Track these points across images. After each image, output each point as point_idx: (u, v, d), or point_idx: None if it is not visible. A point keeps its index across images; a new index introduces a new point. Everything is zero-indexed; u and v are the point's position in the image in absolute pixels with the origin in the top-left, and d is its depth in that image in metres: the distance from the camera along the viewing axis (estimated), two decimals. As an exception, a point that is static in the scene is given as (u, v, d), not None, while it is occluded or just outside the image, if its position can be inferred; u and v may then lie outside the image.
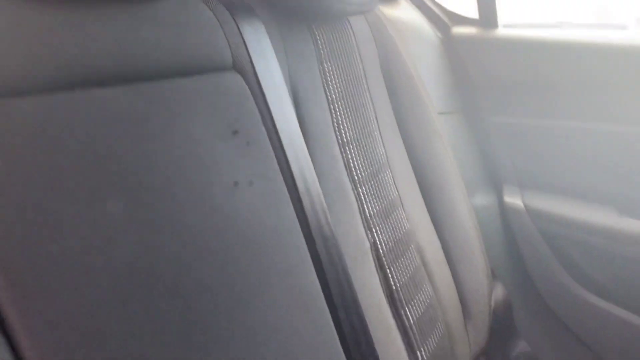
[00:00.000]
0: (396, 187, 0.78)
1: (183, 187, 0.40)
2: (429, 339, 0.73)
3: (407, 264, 0.74)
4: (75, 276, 0.31)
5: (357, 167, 0.71)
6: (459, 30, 1.11)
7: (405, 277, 0.72)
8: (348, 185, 0.69)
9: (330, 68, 0.71)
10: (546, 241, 1.06)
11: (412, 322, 0.70)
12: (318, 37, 0.71)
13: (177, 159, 0.40)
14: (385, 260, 0.70)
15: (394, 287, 0.69)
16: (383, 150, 0.78)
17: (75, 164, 0.33)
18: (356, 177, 0.70)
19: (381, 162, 0.76)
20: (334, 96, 0.70)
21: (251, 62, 0.53)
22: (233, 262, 0.42)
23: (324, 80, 0.70)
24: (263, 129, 0.50)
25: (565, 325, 1.11)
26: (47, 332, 0.29)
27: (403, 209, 0.79)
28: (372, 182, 0.73)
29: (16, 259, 0.30)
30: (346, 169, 0.70)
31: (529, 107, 1.03)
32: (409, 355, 0.68)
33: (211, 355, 0.37)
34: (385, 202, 0.74)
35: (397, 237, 0.74)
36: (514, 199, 1.09)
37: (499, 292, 1.00)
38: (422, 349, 0.71)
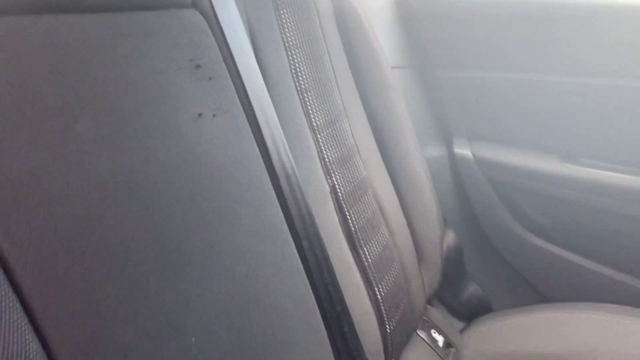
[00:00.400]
0: (353, 136, 0.81)
1: (150, 115, 0.40)
2: (386, 278, 0.77)
3: (364, 208, 0.78)
4: (49, 192, 0.32)
5: (315, 114, 0.73)
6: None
7: (363, 220, 0.75)
8: (307, 131, 0.71)
9: (286, 16, 0.72)
10: (493, 188, 1.12)
11: (370, 261, 0.74)
12: None
13: (143, 89, 0.41)
14: (344, 204, 0.73)
15: (352, 229, 0.72)
16: (340, 100, 0.80)
17: (45, 84, 0.34)
18: (315, 124, 0.73)
19: (338, 110, 0.78)
20: (291, 43, 0.72)
21: (210, 3, 0.54)
22: (201, 189, 0.43)
23: (281, 28, 0.71)
24: (224, 65, 0.51)
25: (512, 266, 1.19)
26: (26, 239, 0.30)
27: (360, 157, 0.82)
28: (330, 129, 0.76)
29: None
30: (305, 116, 0.72)
31: (476, 62, 1.07)
32: (367, 291, 0.72)
33: (178, 272, 0.39)
34: (343, 149, 0.77)
35: (355, 183, 0.77)
36: (463, 150, 1.14)
37: (450, 238, 1.05)
38: (379, 286, 0.75)
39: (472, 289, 1.09)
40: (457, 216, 1.17)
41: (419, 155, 0.95)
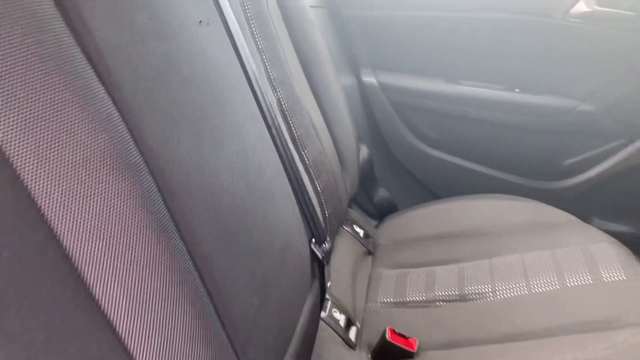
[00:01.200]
0: (287, 61, 0.96)
1: (163, 21, 0.52)
2: (322, 176, 0.95)
3: (302, 120, 0.94)
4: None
5: (259, 38, 0.86)
6: None
7: (302, 129, 0.92)
8: (255, 51, 0.85)
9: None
10: (395, 109, 1.34)
11: (310, 161, 0.91)
12: None
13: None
14: (288, 114, 0.89)
15: (295, 134, 0.88)
16: (274, 28, 0.94)
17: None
18: (260, 46, 0.86)
19: (275, 37, 0.92)
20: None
21: None
22: (210, 78, 0.57)
23: None
24: None
25: (412, 173, 1.43)
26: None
27: (293, 79, 0.97)
28: (271, 53, 0.89)
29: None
30: (252, 37, 0.85)
31: (376, 2, 1.26)
32: (311, 184, 0.90)
33: (210, 127, 0.53)
34: (281, 71, 0.91)
35: (293, 100, 0.93)
36: (369, 78, 1.34)
37: (363, 152, 1.26)
38: (318, 180, 0.92)
39: (381, 193, 1.32)
40: (367, 134, 1.38)
41: (337, 81, 1.12)
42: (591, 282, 0.85)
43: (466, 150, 1.34)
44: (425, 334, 0.84)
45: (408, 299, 0.94)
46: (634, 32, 1.07)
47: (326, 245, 0.89)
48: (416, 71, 1.30)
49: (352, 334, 0.86)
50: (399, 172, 1.43)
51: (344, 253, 1.03)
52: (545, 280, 0.88)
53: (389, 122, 1.37)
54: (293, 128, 0.88)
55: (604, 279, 0.85)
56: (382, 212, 1.32)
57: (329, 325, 0.84)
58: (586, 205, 1.26)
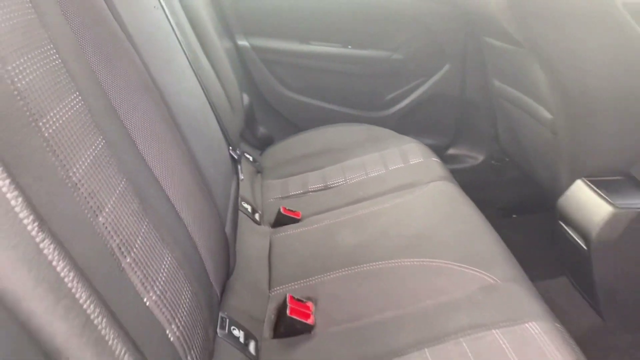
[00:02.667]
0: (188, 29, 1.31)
1: (125, 8, 0.85)
2: (221, 107, 1.33)
3: (208, 73, 1.30)
4: None
5: (175, 17, 1.21)
6: None
7: (209, 78, 1.29)
8: (176, 27, 1.19)
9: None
10: (265, 65, 1.75)
11: (213, 99, 1.28)
12: None
13: None
14: (195, 70, 1.25)
15: (204, 84, 1.25)
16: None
17: None
18: (178, 22, 1.21)
19: (182, 15, 1.27)
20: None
21: None
22: (162, 42, 0.93)
23: None
24: None
25: (281, 114, 1.86)
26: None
27: (197, 46, 1.32)
28: (181, 26, 1.24)
29: None
30: (174, 17, 1.18)
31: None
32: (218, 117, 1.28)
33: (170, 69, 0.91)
34: (186, 37, 1.26)
35: (199, 58, 1.29)
36: (243, 42, 1.73)
37: (245, 100, 1.65)
38: (219, 111, 1.30)
39: (261, 130, 1.74)
40: (248, 87, 1.77)
41: (221, 46, 1.49)
42: (403, 165, 1.36)
43: (318, 93, 1.81)
44: (305, 210, 1.28)
45: (290, 194, 1.38)
46: (429, 1, 1.60)
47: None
48: (278, 35, 1.72)
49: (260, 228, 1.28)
50: (273, 113, 1.86)
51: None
52: (376, 168, 1.37)
53: (262, 75, 1.78)
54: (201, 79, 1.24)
55: (410, 162, 1.37)
56: (263, 144, 1.74)
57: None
58: (402, 126, 1.80)
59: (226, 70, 1.48)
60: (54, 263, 0.41)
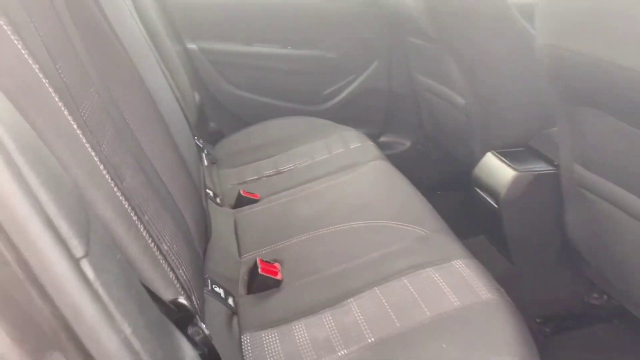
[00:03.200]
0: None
1: (115, 19, 0.99)
2: (188, 100, 1.47)
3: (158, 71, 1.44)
4: None
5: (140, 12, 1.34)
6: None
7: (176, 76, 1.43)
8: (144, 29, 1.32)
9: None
10: (213, 66, 1.90)
11: (176, 83, 1.43)
12: None
13: None
14: (165, 67, 1.38)
15: (170, 77, 1.39)
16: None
17: None
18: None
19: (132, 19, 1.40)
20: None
21: None
22: (127, 32, 1.07)
23: None
24: None
25: (229, 109, 2.02)
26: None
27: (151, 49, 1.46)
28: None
29: None
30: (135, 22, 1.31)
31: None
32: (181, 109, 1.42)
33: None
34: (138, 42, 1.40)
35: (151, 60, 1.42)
36: (191, 45, 1.87)
37: (197, 98, 1.80)
38: (184, 97, 1.44)
39: (212, 125, 1.89)
40: (197, 84, 1.90)
41: (172, 49, 1.63)
42: (344, 149, 1.56)
43: (263, 89, 1.99)
44: (263, 192, 1.44)
45: (247, 180, 1.54)
46: (357, 6, 1.81)
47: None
48: (224, 38, 1.89)
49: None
50: (222, 109, 2.01)
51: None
52: (322, 153, 1.56)
53: (210, 75, 1.93)
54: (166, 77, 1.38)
55: (350, 147, 1.57)
56: (214, 139, 1.88)
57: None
58: (339, 118, 1.98)
59: (178, 71, 1.62)
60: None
